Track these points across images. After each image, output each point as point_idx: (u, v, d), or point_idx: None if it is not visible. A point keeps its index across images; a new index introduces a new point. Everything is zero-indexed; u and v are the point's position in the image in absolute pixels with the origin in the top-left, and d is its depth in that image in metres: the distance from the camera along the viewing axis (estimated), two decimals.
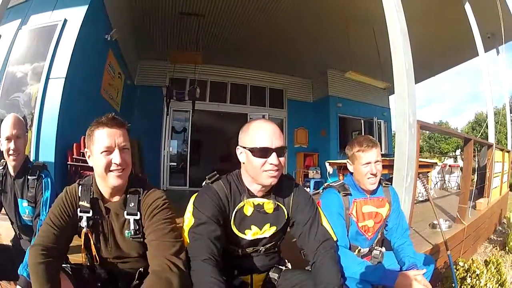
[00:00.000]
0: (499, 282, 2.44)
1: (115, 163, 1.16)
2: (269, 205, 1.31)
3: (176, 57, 6.77)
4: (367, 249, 1.65)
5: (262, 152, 1.19)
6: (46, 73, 3.55)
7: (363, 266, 1.42)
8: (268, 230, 1.33)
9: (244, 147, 1.24)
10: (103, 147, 1.15)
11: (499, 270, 2.56)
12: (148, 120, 7.27)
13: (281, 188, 1.34)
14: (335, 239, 1.36)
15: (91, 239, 1.25)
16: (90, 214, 1.23)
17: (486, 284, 2.29)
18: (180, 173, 8.53)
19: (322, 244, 1.27)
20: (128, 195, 1.24)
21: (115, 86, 5.26)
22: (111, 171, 1.16)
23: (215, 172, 1.34)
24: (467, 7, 4.83)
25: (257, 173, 1.22)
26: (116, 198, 1.26)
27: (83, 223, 1.23)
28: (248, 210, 1.29)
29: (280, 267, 1.42)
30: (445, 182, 8.42)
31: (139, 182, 1.30)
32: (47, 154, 3.35)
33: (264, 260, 1.39)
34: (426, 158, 10.41)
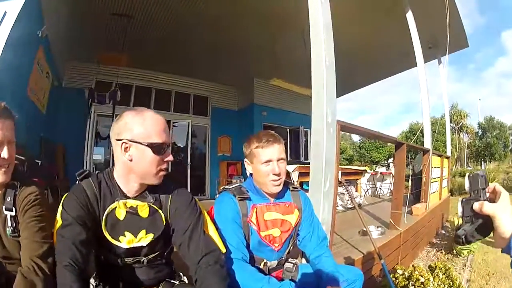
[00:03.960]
0: None
1: (3, 158, 1.06)
2: (143, 208, 1.13)
3: (101, 58, 6.51)
4: (276, 262, 1.45)
5: None
6: None
7: (264, 282, 1.21)
8: (144, 238, 1.14)
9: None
10: None
11: (450, 275, 2.46)
12: (73, 124, 6.72)
13: (159, 188, 1.16)
14: (223, 250, 1.17)
15: None
16: None
17: None
18: None
19: (205, 257, 1.08)
20: (7, 189, 1.14)
21: (42, 86, 4.76)
22: None
23: (85, 169, 1.19)
24: (409, 15, 4.79)
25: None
26: None
27: None
28: (121, 214, 1.12)
29: (172, 281, 1.25)
30: (376, 189, 8.74)
31: (19, 175, 1.18)
32: None
33: (149, 273, 1.22)
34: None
